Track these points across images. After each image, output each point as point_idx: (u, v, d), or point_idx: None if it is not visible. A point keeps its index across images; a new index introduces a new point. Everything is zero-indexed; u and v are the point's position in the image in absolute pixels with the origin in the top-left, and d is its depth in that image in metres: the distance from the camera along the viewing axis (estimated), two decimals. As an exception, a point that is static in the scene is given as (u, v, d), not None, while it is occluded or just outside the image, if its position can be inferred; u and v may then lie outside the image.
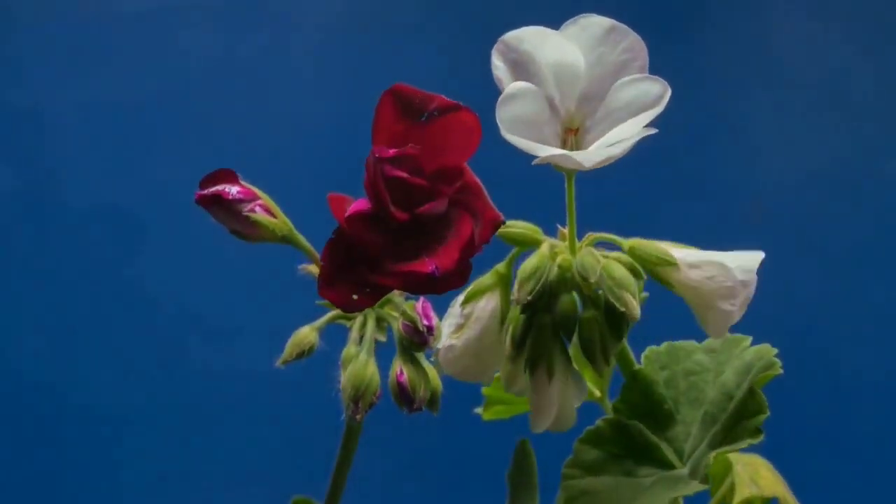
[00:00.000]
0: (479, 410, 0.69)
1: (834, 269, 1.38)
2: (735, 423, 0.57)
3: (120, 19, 1.41)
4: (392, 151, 0.49)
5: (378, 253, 0.49)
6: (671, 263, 0.56)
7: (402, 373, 0.55)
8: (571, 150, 0.54)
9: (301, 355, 0.55)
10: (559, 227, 0.57)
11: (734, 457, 0.61)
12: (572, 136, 0.54)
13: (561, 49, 0.54)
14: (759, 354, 0.59)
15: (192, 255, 1.37)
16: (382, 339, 0.56)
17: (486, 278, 0.58)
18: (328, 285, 0.50)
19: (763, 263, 0.56)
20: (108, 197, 1.39)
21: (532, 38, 0.54)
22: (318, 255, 0.53)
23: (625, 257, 0.56)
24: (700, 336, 0.62)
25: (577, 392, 0.57)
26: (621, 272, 0.55)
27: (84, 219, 1.39)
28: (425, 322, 0.54)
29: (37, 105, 1.40)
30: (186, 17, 1.41)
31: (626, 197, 1.26)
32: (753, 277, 0.55)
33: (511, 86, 0.53)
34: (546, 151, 0.52)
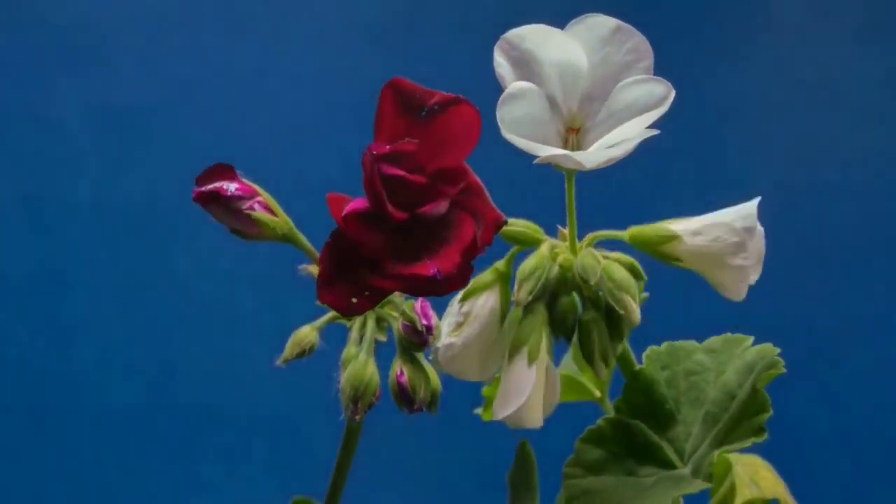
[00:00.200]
0: (479, 411, 0.69)
1: (834, 269, 1.38)
2: (738, 423, 0.57)
3: (120, 19, 1.41)
4: (388, 148, 0.48)
5: (376, 253, 0.49)
6: (673, 237, 0.56)
7: (402, 373, 0.54)
8: (572, 149, 0.54)
9: (301, 354, 0.55)
10: (559, 227, 0.57)
11: (734, 457, 0.60)
12: (574, 135, 0.54)
13: (564, 47, 0.54)
14: (762, 354, 0.59)
15: (192, 255, 1.37)
16: (383, 339, 0.56)
17: (485, 276, 0.58)
18: (327, 289, 0.49)
19: (763, 231, 0.55)
20: (108, 197, 1.39)
21: (535, 37, 0.54)
22: (318, 255, 0.52)
23: (625, 258, 0.56)
24: (700, 336, 0.62)
25: (550, 394, 0.56)
26: (622, 274, 0.55)
27: (84, 219, 1.39)
28: (424, 322, 0.54)
29: (37, 105, 1.40)
30: (187, 16, 1.41)
31: (627, 197, 1.26)
32: (755, 223, 0.56)
33: (511, 86, 0.52)
34: (546, 151, 0.51)
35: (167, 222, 1.37)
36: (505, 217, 0.50)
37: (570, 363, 0.66)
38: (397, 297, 0.55)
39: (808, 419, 1.32)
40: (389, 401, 0.55)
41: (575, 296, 0.56)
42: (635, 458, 0.60)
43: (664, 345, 0.62)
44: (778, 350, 0.59)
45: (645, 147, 0.52)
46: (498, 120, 0.51)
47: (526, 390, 0.55)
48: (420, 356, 0.55)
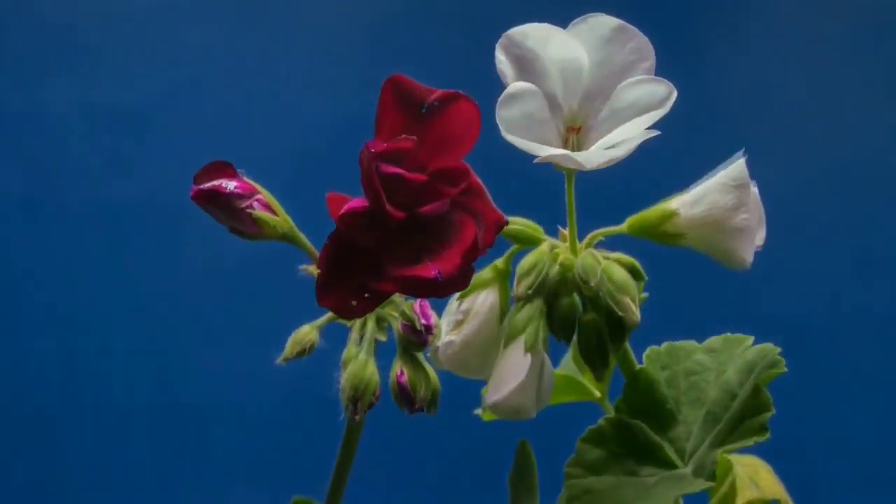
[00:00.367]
0: (479, 411, 0.69)
1: (834, 270, 1.38)
2: (739, 422, 0.57)
3: (121, 19, 1.41)
4: (385, 145, 0.48)
5: (375, 253, 0.48)
6: (672, 213, 0.56)
7: (402, 373, 0.54)
8: (573, 148, 0.54)
9: (301, 353, 0.55)
10: (560, 228, 0.57)
11: (734, 457, 0.60)
12: (574, 134, 0.54)
13: (565, 46, 0.54)
14: (762, 353, 0.59)
15: (191, 255, 1.37)
16: (383, 338, 0.56)
17: (484, 273, 0.58)
18: (326, 292, 0.48)
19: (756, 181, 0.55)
20: (108, 197, 1.39)
21: (537, 35, 0.54)
22: (318, 255, 0.52)
23: (625, 258, 0.56)
24: (700, 336, 0.62)
25: (544, 386, 0.56)
26: (621, 275, 0.54)
27: (84, 219, 1.38)
28: (424, 321, 0.54)
29: (37, 105, 1.40)
30: (187, 16, 1.41)
31: (627, 197, 1.26)
32: (745, 174, 0.55)
33: (511, 86, 0.52)
34: (546, 151, 0.51)
35: (167, 222, 1.37)
36: (506, 218, 0.49)
37: (570, 363, 0.66)
38: (397, 297, 0.55)
39: (809, 419, 1.32)
40: (389, 401, 0.55)
41: (575, 296, 0.56)
42: (636, 458, 0.60)
43: (664, 345, 0.62)
44: (779, 349, 0.59)
45: (645, 147, 0.52)
46: (498, 120, 0.51)
47: (519, 376, 0.54)
48: (420, 356, 0.55)
